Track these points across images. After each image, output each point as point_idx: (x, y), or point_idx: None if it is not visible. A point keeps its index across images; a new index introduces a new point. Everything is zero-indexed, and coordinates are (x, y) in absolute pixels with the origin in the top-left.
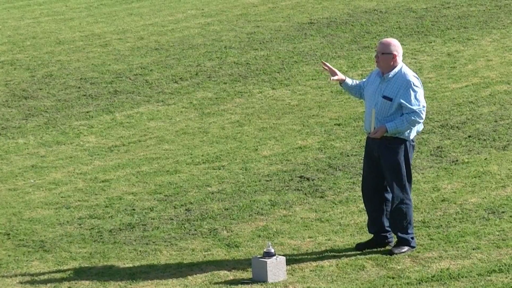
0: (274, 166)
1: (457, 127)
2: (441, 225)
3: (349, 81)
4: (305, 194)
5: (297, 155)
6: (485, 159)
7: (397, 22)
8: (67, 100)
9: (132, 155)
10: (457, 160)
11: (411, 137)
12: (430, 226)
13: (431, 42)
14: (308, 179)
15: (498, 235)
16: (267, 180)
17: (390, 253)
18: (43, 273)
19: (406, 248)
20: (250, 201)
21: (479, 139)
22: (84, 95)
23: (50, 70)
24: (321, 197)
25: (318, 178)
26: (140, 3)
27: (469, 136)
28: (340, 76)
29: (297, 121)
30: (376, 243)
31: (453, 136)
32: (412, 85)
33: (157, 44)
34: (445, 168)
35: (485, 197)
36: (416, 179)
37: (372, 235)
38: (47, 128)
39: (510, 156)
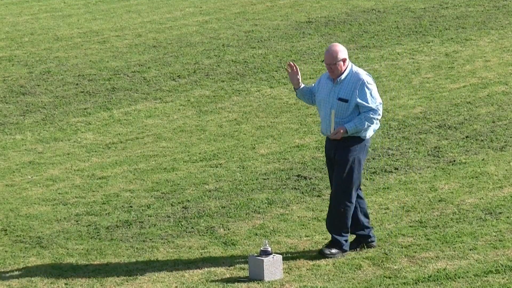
0: (272, 165)
1: (454, 127)
2: (438, 225)
3: (304, 87)
4: (302, 192)
5: (294, 153)
6: (483, 159)
7: (395, 22)
8: (65, 96)
9: (129, 152)
10: (454, 161)
11: (368, 136)
12: (427, 226)
13: (429, 42)
14: (305, 178)
15: (495, 236)
16: (264, 179)
17: (321, 252)
18: (40, 269)
19: (336, 251)
20: (247, 199)
21: (476, 140)
22: (82, 92)
23: (48, 66)
24: (318, 196)
25: (315, 177)
26: (138, 0)
27: (467, 137)
28: (299, 81)
29: (294, 119)
30: (359, 242)
31: (450, 136)
32: (366, 83)
33: (155, 42)
34: (443, 168)
35: (482, 197)
36: (413, 179)
37: (354, 236)
38: (45, 124)
39: (507, 157)
